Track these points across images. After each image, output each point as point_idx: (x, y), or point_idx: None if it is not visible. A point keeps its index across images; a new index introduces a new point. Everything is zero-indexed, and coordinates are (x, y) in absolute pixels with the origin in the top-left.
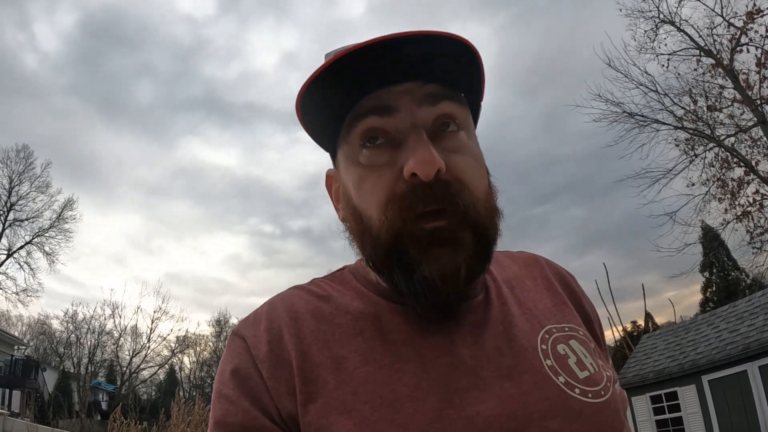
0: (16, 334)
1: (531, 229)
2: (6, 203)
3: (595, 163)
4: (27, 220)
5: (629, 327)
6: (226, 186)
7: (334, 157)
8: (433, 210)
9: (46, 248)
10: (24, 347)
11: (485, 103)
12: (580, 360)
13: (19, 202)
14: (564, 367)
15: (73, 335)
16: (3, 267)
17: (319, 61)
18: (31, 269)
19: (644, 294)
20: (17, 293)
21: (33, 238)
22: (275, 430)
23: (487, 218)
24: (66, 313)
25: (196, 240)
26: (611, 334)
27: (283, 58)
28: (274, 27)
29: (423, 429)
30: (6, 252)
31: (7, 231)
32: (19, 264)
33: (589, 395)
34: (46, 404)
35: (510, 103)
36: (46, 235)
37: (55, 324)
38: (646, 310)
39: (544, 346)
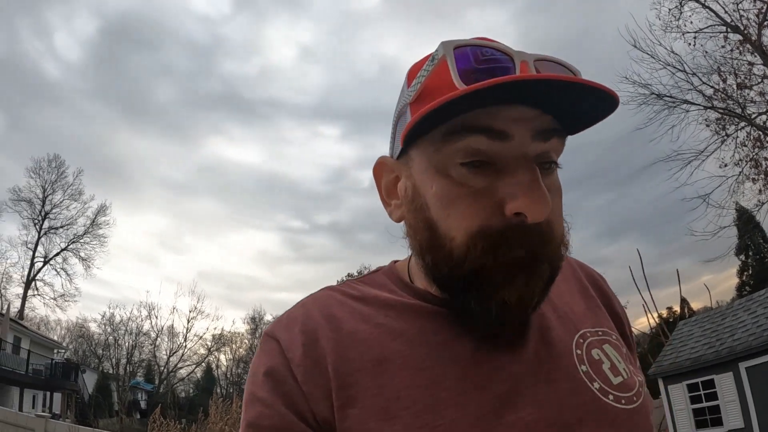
0: (56, 338)
1: None
2: (41, 212)
3: (624, 148)
4: (62, 227)
5: (665, 313)
6: (252, 183)
7: (404, 150)
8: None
9: (82, 254)
10: (63, 350)
11: None
12: (614, 365)
13: (53, 211)
14: (598, 373)
15: (111, 337)
16: (40, 274)
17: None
18: (68, 275)
19: (679, 279)
20: (55, 299)
21: (68, 245)
22: None
23: (560, 255)
24: (103, 316)
25: (225, 237)
26: (647, 321)
27: (301, 52)
28: (290, 21)
29: None
30: (43, 259)
31: (42, 239)
32: (56, 270)
33: (623, 401)
34: (87, 405)
35: None
36: (81, 241)
37: (93, 327)
38: (681, 296)
39: (579, 351)
